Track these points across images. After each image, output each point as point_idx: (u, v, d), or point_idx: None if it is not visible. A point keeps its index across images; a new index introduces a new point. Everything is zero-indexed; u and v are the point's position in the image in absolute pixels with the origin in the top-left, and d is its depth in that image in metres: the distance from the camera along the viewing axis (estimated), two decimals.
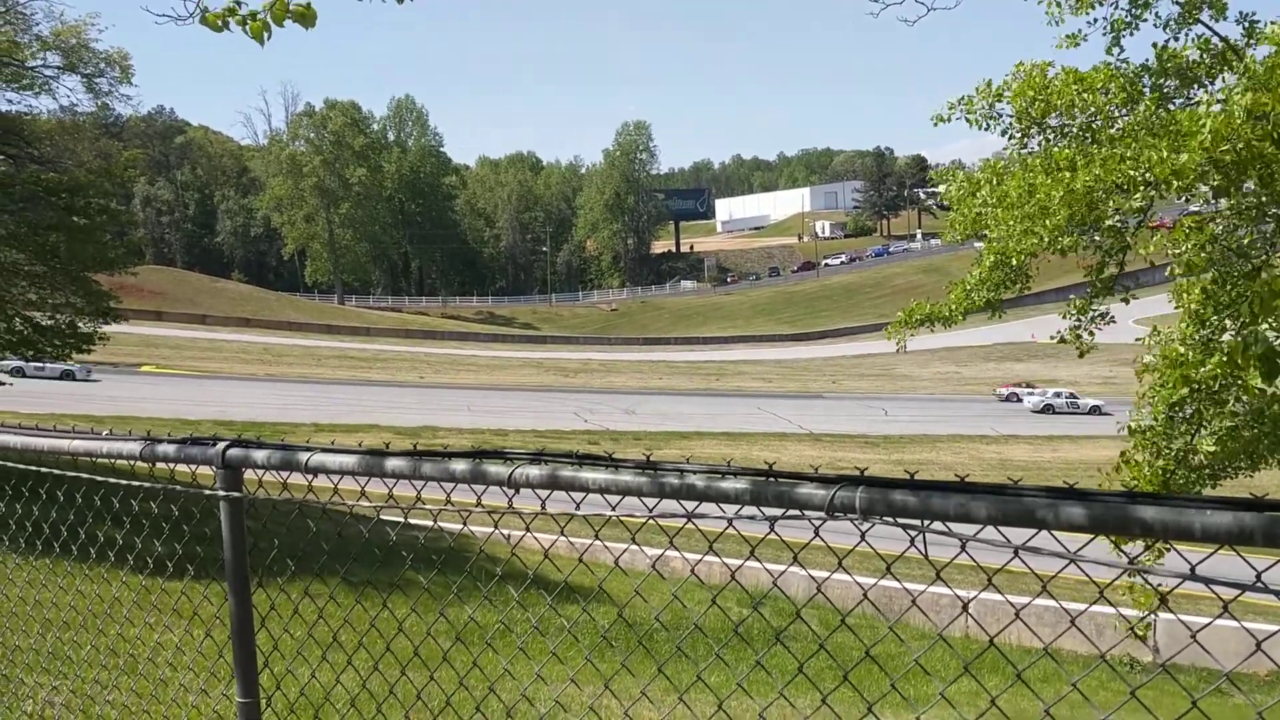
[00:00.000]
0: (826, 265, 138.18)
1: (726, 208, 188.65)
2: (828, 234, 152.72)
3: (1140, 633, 9.70)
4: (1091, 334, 10.81)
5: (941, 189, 11.24)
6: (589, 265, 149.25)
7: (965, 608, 2.02)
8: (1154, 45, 9.59)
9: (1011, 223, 9.28)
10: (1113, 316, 10.75)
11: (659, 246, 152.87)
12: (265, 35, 3.97)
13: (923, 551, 1.84)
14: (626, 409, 52.82)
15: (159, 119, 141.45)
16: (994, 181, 10.11)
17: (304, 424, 39.43)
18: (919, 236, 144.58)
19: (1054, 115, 9.69)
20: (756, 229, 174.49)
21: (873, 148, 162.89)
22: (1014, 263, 9.64)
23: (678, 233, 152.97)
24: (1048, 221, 8.93)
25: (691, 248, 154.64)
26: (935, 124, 10.43)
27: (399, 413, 46.05)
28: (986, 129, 10.08)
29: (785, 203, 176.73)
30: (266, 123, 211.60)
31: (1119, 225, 9.50)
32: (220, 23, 3.97)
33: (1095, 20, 9.85)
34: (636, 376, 72.39)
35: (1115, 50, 9.70)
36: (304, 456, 2.71)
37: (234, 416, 40.11)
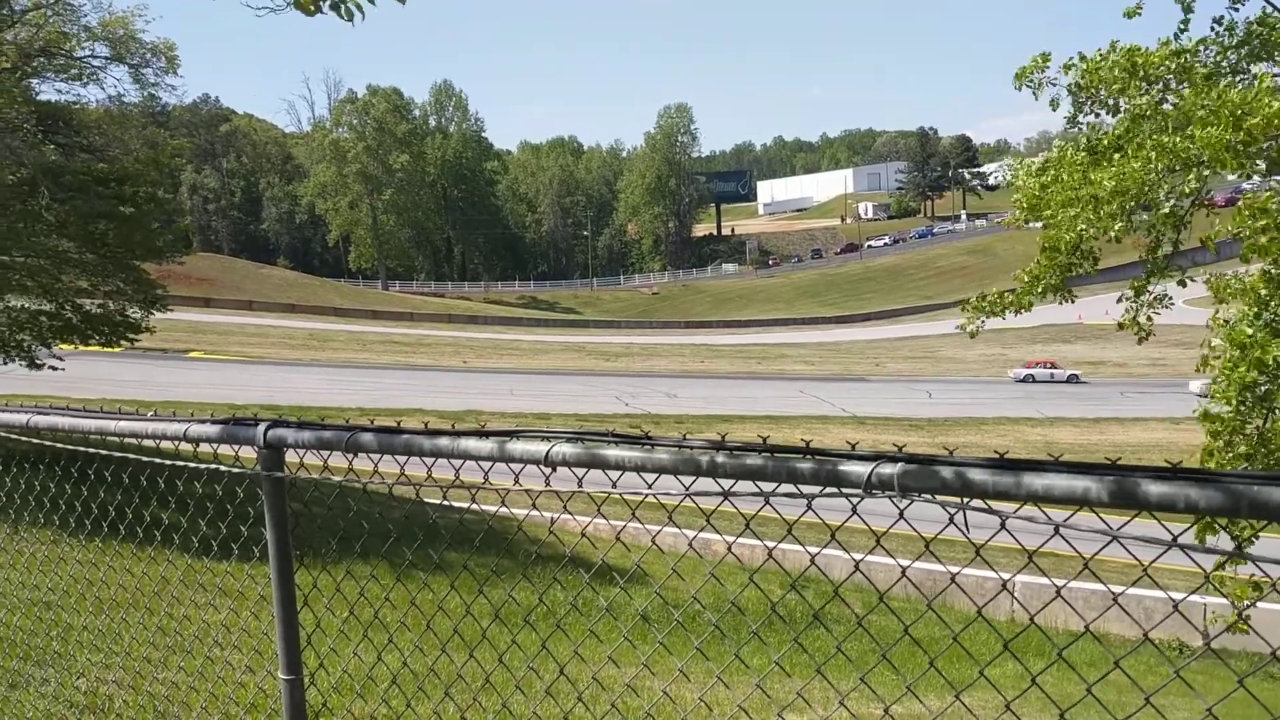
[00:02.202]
0: (870, 247, 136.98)
1: (768, 190, 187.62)
2: (871, 215, 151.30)
3: (1242, 627, 9.25)
4: (1150, 319, 10.54)
5: (1008, 175, 11.00)
6: (630, 249, 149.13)
7: (1005, 586, 2.00)
8: (1215, 20, 9.39)
9: (1071, 211, 9.13)
10: (1171, 299, 10.48)
11: (700, 230, 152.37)
12: (360, 15, 3.96)
13: (963, 530, 1.81)
14: (668, 392, 52.81)
15: (204, 108, 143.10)
16: (1044, 168, 9.95)
17: (349, 407, 39.83)
18: (964, 217, 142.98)
19: (1114, 97, 9.51)
20: (799, 211, 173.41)
21: (916, 128, 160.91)
22: (1078, 247, 9.48)
23: (719, 215, 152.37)
24: (1100, 210, 8.80)
25: (733, 230, 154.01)
26: (1018, 86, 10.16)
27: (442, 396, 46.37)
28: (1052, 106, 9.89)
29: (828, 184, 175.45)
30: (310, 110, 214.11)
31: (1175, 208, 9.30)
32: (312, 6, 3.96)
33: None
34: (678, 360, 72.30)
35: (1185, 23, 9.49)
36: (343, 436, 2.73)
37: (280, 400, 40.62)
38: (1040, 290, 9.97)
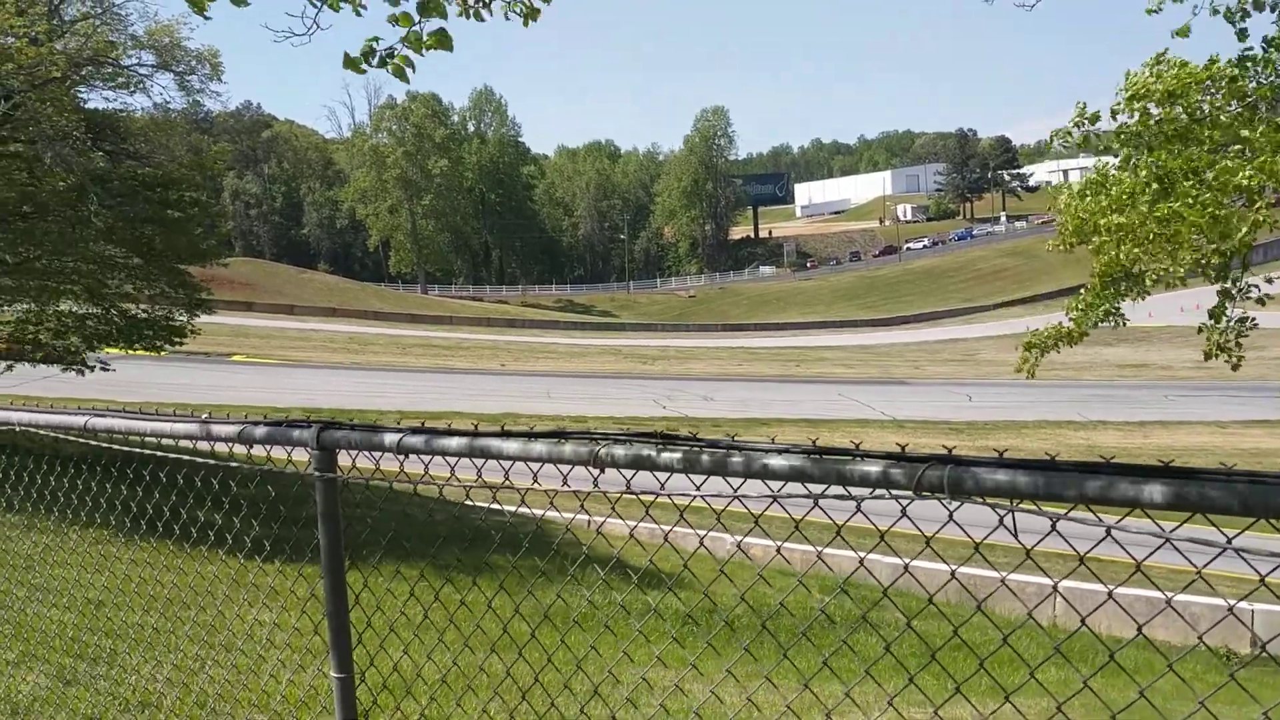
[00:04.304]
0: (908, 249, 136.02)
1: (806, 192, 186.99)
2: (909, 217, 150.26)
3: None
4: (1239, 343, 10.27)
5: (1058, 199, 10.85)
6: (667, 252, 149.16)
7: (1055, 588, 2.00)
8: (1265, 40, 9.25)
9: (1131, 247, 9.06)
10: (1255, 321, 10.20)
11: (737, 232, 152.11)
12: (410, 70, 4.03)
13: (1012, 531, 1.82)
14: (705, 395, 52.72)
15: (247, 114, 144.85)
16: (1100, 191, 9.82)
17: (389, 410, 40.11)
18: (1003, 219, 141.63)
19: (1158, 107, 9.38)
20: (836, 213, 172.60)
21: (955, 129, 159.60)
22: (1147, 283, 9.40)
23: (756, 218, 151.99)
24: (1180, 254, 8.77)
25: (770, 233, 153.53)
26: (1050, 143, 10.20)
27: (481, 399, 46.59)
28: (1094, 147, 9.80)
29: (865, 186, 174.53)
30: (350, 116, 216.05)
31: (1245, 237, 9.17)
32: (361, 66, 4.06)
33: (1198, 9, 9.53)
34: (715, 363, 72.16)
35: (1241, 39, 9.34)
36: (395, 438, 2.78)
37: (321, 403, 40.93)
38: (1094, 321, 9.89)
